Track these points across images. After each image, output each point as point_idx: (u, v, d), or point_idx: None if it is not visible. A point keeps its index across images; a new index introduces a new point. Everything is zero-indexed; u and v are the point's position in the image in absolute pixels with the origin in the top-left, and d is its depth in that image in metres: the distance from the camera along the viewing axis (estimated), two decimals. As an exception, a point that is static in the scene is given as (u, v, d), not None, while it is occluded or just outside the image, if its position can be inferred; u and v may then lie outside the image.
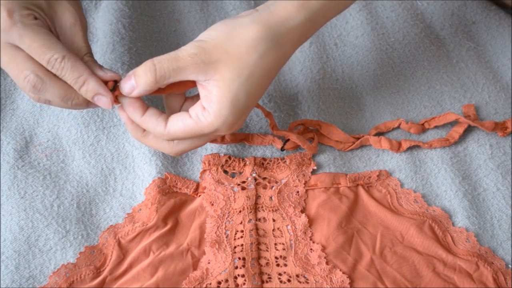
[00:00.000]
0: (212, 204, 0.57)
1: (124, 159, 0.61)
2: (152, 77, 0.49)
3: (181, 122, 0.51)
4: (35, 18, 0.48)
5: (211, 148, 0.62)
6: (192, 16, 0.71)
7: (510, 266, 0.56)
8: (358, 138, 0.63)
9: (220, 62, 0.49)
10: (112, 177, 0.60)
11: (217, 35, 0.50)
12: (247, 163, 0.60)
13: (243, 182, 0.59)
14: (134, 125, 0.53)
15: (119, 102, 0.51)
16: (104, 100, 0.50)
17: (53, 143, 0.62)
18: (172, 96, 0.54)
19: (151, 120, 0.51)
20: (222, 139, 0.62)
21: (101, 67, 0.51)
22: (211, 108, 0.50)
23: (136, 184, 0.60)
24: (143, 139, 0.54)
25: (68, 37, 0.51)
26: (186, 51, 0.49)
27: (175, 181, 0.59)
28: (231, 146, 0.62)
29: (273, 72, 0.52)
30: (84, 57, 0.51)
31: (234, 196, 0.58)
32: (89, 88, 0.49)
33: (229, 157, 0.61)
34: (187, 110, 0.52)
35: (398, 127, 0.65)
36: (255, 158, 0.60)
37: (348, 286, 0.53)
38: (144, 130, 0.53)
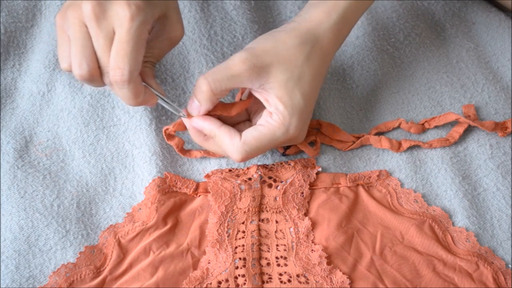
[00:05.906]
0: (217, 200, 0.57)
1: (124, 159, 0.61)
2: (208, 90, 0.51)
3: (254, 130, 0.53)
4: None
5: (214, 161, 0.61)
6: (192, 16, 0.71)
7: (510, 266, 0.56)
8: (359, 138, 0.63)
9: (271, 66, 0.52)
10: (112, 176, 0.60)
11: (264, 42, 0.54)
12: (251, 168, 0.60)
13: (249, 179, 0.59)
14: (196, 130, 0.55)
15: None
16: None
17: (53, 143, 0.62)
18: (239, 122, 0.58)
19: (226, 134, 0.53)
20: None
21: (154, 77, 0.52)
22: (277, 110, 0.52)
23: (136, 183, 0.60)
24: (205, 143, 0.57)
25: (157, 43, 0.51)
26: (237, 58, 0.52)
27: (175, 180, 0.59)
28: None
29: (321, 73, 0.55)
30: (148, 62, 0.51)
31: (240, 195, 0.58)
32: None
33: (231, 169, 0.60)
34: None
35: (398, 127, 0.65)
36: (258, 165, 0.60)
37: (348, 287, 0.53)
38: (205, 135, 0.55)
